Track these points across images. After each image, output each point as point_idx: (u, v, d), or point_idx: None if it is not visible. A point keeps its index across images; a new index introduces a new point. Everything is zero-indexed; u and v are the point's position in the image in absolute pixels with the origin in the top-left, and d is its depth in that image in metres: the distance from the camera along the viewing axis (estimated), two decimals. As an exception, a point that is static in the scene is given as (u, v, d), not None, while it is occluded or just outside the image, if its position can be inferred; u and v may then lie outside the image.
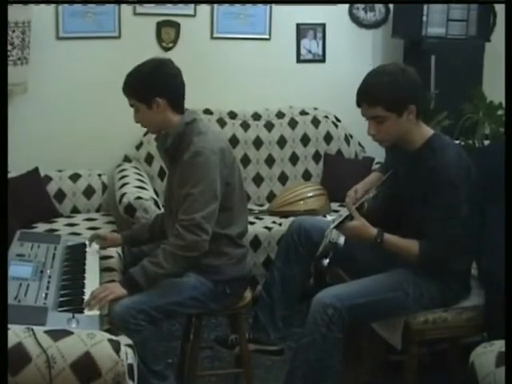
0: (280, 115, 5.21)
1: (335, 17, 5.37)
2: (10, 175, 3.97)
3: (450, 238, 2.85)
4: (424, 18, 5.05)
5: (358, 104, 2.91)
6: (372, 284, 2.95)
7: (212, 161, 2.87)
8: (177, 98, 2.99)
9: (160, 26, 4.96)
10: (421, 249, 2.88)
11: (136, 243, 3.32)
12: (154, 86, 2.92)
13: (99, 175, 4.66)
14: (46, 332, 2.07)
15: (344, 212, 3.16)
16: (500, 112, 4.28)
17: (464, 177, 2.83)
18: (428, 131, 2.97)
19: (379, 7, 5.47)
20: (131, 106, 3.01)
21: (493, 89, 4.61)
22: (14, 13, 4.13)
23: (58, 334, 2.07)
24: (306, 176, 5.19)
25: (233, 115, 5.10)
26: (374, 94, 2.83)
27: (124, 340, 2.42)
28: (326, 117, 5.28)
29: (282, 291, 3.29)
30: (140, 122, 3.04)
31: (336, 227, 2.95)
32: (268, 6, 5.16)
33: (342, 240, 2.92)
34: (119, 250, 3.48)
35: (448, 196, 2.81)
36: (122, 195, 4.12)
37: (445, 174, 2.80)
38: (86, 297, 2.72)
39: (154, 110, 2.94)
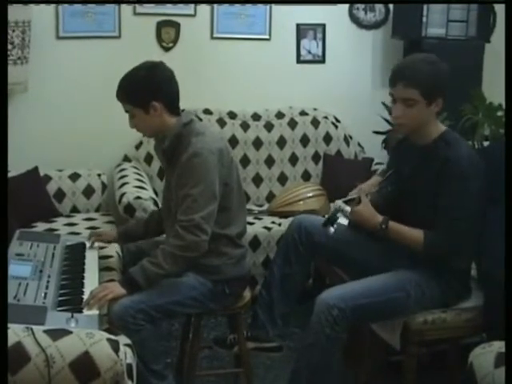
0: (280, 116, 5.21)
1: (335, 17, 5.38)
2: (9, 174, 3.97)
3: (457, 229, 2.87)
4: (424, 19, 5.06)
5: (394, 83, 2.92)
6: (375, 284, 2.95)
7: (210, 161, 2.87)
8: (173, 101, 2.99)
9: (160, 25, 4.96)
10: (426, 238, 2.89)
11: (131, 239, 3.33)
12: (149, 90, 2.91)
13: (99, 175, 4.66)
14: (45, 331, 2.07)
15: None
16: (500, 113, 4.29)
17: (475, 171, 2.87)
18: (441, 127, 3.01)
19: (379, 8, 5.47)
20: (126, 111, 3.00)
21: (492, 90, 4.62)
22: (14, 12, 4.14)
23: (57, 334, 2.07)
24: (306, 176, 5.20)
25: (232, 115, 5.10)
26: (415, 76, 2.85)
27: (123, 339, 2.42)
28: (326, 117, 5.28)
29: (281, 289, 3.30)
30: (136, 127, 3.03)
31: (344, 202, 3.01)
32: (268, 6, 5.17)
33: (348, 208, 2.96)
34: (118, 249, 3.48)
35: (459, 187, 2.84)
36: (122, 195, 4.12)
37: (458, 165, 2.83)
38: (85, 296, 2.71)
39: (151, 114, 2.93)
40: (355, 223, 2.99)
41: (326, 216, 3.01)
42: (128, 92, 2.95)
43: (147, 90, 2.91)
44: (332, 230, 2.94)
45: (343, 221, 2.96)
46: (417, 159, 3.01)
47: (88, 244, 3.30)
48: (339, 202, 3.01)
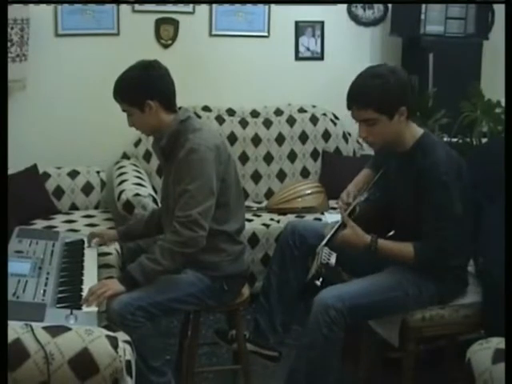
0: (278, 113, 5.21)
1: (334, 14, 5.38)
2: (8, 172, 3.97)
3: (444, 237, 2.85)
4: (422, 16, 5.06)
5: (349, 107, 2.89)
6: (372, 284, 2.95)
7: (207, 157, 2.87)
8: (168, 98, 2.99)
9: (159, 23, 4.97)
10: (415, 251, 2.88)
11: (132, 238, 3.33)
12: (144, 89, 2.92)
13: (98, 172, 4.67)
14: (44, 328, 2.08)
15: (337, 216, 3.15)
16: (498, 110, 4.29)
17: (455, 176, 2.83)
18: (417, 131, 2.95)
19: (378, 5, 5.47)
20: (124, 111, 3.01)
21: (491, 87, 4.62)
22: (13, 10, 4.14)
23: (56, 330, 2.08)
24: (304, 173, 5.20)
25: (231, 112, 5.10)
26: (364, 96, 2.81)
27: (122, 336, 2.42)
28: (325, 114, 5.28)
29: (279, 296, 3.28)
30: (134, 126, 3.05)
31: (327, 244, 2.93)
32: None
33: (333, 259, 2.88)
34: (117, 246, 3.49)
35: (440, 196, 2.81)
36: (121, 192, 4.13)
37: (436, 173, 2.79)
38: (84, 293, 2.72)
39: (147, 112, 2.94)
40: (343, 247, 2.95)
41: (312, 271, 2.94)
42: (123, 92, 2.96)
43: (142, 89, 2.92)
44: (319, 282, 2.88)
45: (332, 260, 2.90)
46: (397, 166, 3.00)
47: (87, 244, 3.30)
48: (324, 251, 2.91)
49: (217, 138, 3.07)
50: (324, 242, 2.97)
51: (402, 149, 2.94)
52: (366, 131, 2.87)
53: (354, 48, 5.49)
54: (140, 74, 2.95)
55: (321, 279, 2.88)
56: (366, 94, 2.81)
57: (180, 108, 3.05)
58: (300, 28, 5.34)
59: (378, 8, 5.48)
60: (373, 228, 2.96)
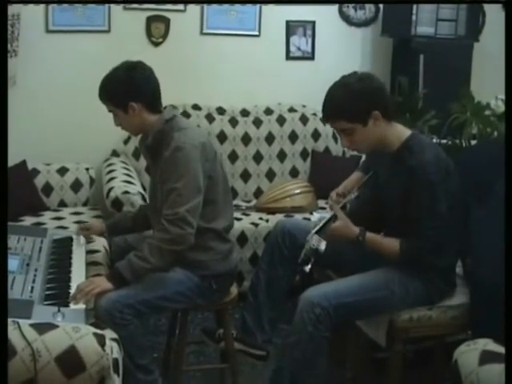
0: (268, 112, 5.22)
1: (325, 14, 5.39)
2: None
3: (430, 236, 2.86)
4: (413, 17, 5.07)
5: (324, 120, 2.93)
6: (359, 283, 2.95)
7: (193, 155, 2.88)
8: (151, 100, 3.01)
9: (150, 20, 4.96)
10: (401, 247, 2.89)
11: (119, 232, 3.34)
12: (127, 91, 2.94)
13: (87, 169, 4.66)
14: (32, 325, 2.08)
15: (326, 215, 3.15)
16: (487, 112, 4.29)
17: (442, 176, 2.84)
18: (405, 132, 2.96)
19: (369, 5, 5.48)
20: (110, 111, 3.03)
21: (481, 89, 4.63)
22: (4, 5, 4.12)
23: (43, 328, 2.07)
24: (294, 173, 5.20)
25: (221, 111, 5.10)
26: (332, 108, 2.85)
27: (109, 334, 2.42)
28: (314, 114, 5.29)
29: (267, 294, 3.28)
30: (120, 126, 3.07)
31: (317, 232, 2.94)
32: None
33: (322, 246, 2.88)
34: (106, 244, 3.48)
35: (427, 195, 2.82)
36: (110, 189, 4.12)
37: (423, 173, 2.80)
38: (72, 290, 2.71)
39: (131, 114, 2.96)
40: (333, 239, 2.95)
41: (301, 256, 2.94)
42: (107, 93, 3.00)
43: (125, 91, 2.94)
44: (308, 267, 2.89)
45: (322, 247, 2.89)
46: (386, 167, 3.01)
47: (75, 237, 3.30)
48: (314, 239, 2.91)
49: (202, 135, 3.08)
50: (315, 229, 2.97)
51: (389, 149, 2.95)
52: (347, 141, 2.91)
53: (344, 48, 5.50)
54: (124, 75, 2.97)
55: (310, 266, 2.88)
56: (334, 106, 2.84)
57: (166, 107, 3.07)
58: (291, 27, 5.35)
59: (370, 9, 5.49)
60: (363, 226, 2.96)
